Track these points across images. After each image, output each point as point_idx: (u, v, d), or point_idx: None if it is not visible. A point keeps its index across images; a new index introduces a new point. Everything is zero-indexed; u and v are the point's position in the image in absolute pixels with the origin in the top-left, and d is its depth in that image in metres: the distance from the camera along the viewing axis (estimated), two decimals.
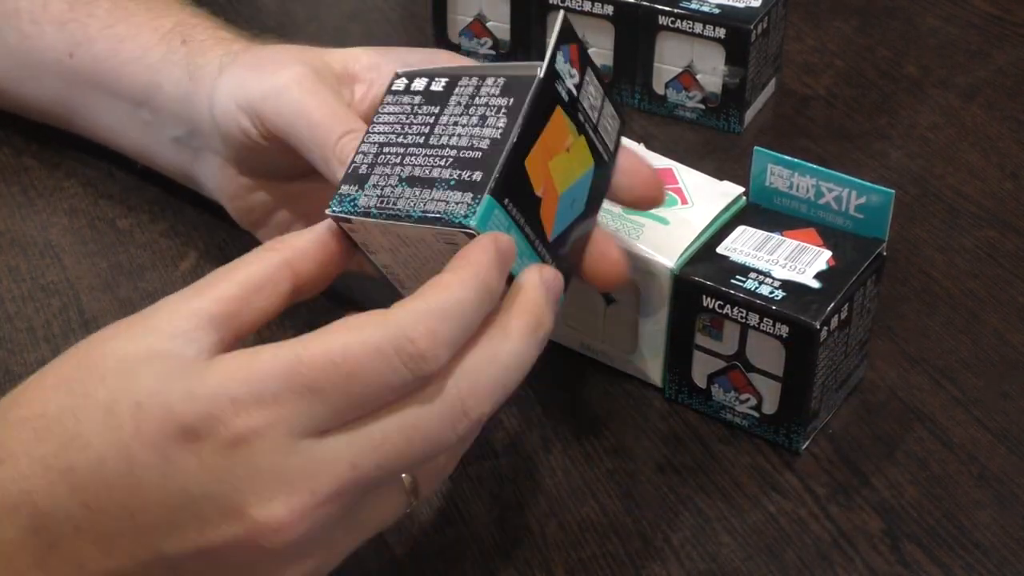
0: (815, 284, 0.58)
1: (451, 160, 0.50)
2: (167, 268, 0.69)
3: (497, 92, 0.51)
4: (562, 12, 0.51)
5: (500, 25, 0.83)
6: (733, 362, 0.59)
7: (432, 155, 0.50)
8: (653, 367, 0.62)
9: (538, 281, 0.49)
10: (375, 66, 0.60)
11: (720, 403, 0.61)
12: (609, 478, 0.59)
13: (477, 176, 0.49)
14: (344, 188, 0.51)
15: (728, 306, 0.58)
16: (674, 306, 0.60)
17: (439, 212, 0.49)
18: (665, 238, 0.60)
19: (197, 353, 0.45)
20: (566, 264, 0.52)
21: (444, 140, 0.51)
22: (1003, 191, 0.76)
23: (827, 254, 0.59)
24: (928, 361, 0.65)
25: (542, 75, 0.50)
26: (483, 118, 0.50)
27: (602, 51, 0.80)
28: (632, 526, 0.57)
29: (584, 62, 0.52)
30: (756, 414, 0.60)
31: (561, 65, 0.50)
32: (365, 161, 0.52)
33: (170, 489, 0.43)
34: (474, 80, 0.52)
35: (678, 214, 0.61)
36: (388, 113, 0.53)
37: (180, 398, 0.44)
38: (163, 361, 0.45)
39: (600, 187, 0.54)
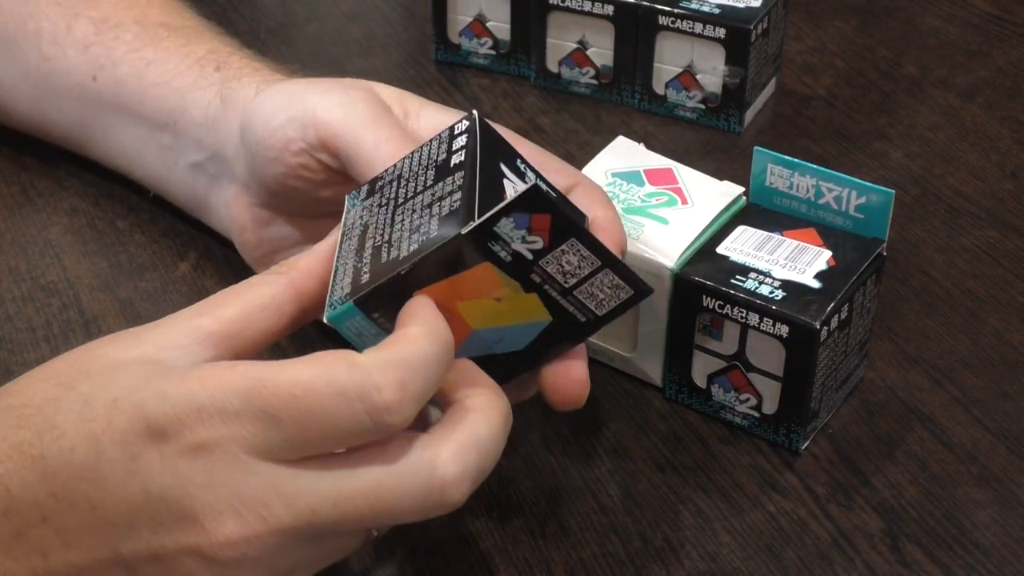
0: (815, 284, 0.58)
1: (368, 256, 0.49)
2: (167, 268, 0.69)
3: (436, 212, 0.49)
4: (529, 186, 0.48)
5: (500, 25, 0.83)
6: (733, 362, 0.59)
7: (401, 226, 0.50)
8: (653, 367, 0.62)
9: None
10: (411, 115, 0.59)
11: (720, 403, 0.61)
12: (609, 478, 0.59)
13: (358, 284, 0.49)
14: (329, 299, 0.50)
15: (728, 306, 0.58)
16: (674, 306, 0.60)
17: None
18: (665, 238, 0.60)
19: (189, 366, 0.46)
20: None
21: (410, 207, 0.50)
22: (1003, 191, 0.76)
23: (827, 254, 0.59)
24: (928, 361, 0.65)
25: (464, 232, 0.47)
26: (403, 232, 0.49)
27: (602, 51, 0.80)
28: (632, 526, 0.57)
29: (563, 233, 0.48)
30: (756, 414, 0.60)
31: (508, 230, 0.47)
32: (339, 270, 0.51)
33: (131, 487, 0.44)
34: (418, 151, 0.52)
35: (678, 214, 0.61)
36: (348, 225, 0.52)
37: (153, 397, 0.44)
38: (150, 366, 0.46)
39: (566, 337, 0.52)
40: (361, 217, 0.52)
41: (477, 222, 0.47)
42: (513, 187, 0.51)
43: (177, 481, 0.44)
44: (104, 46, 0.68)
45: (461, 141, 0.51)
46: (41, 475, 0.45)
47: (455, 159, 0.50)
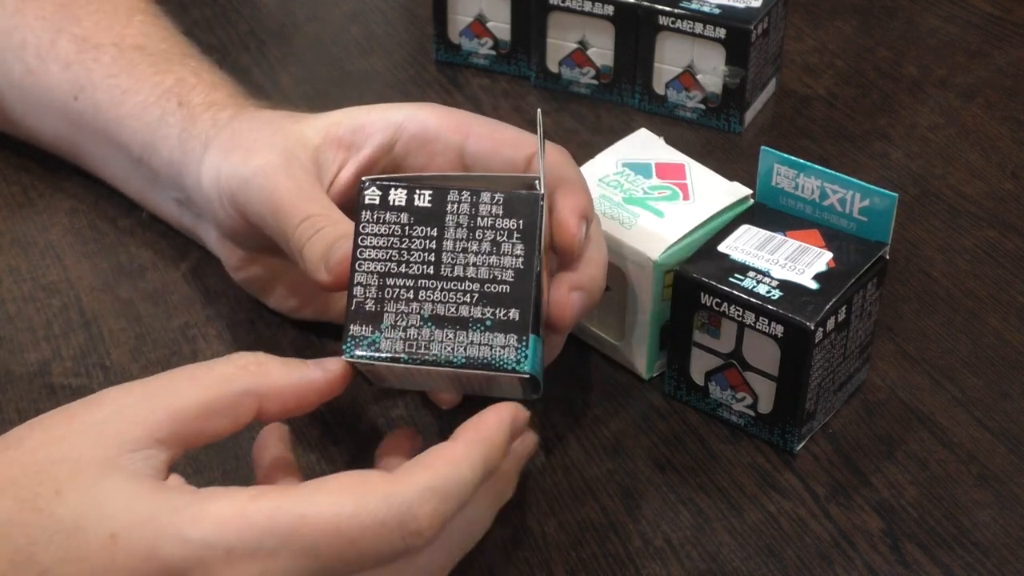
0: (813, 285, 0.58)
1: (476, 296, 0.50)
2: (167, 268, 0.69)
3: (500, 212, 0.51)
4: (539, 112, 0.51)
5: (500, 25, 0.83)
6: (730, 360, 0.59)
7: (451, 289, 0.50)
8: (639, 357, 0.63)
9: (504, 423, 0.50)
10: (359, 127, 0.59)
11: (717, 401, 0.61)
12: (609, 478, 0.59)
13: (514, 315, 0.49)
14: (355, 329, 0.50)
15: (725, 304, 0.58)
16: (674, 302, 0.60)
17: (486, 358, 0.49)
18: (655, 230, 0.60)
19: (154, 473, 0.45)
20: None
21: (459, 271, 0.50)
22: (1003, 191, 0.76)
23: (828, 255, 0.59)
24: (928, 361, 0.65)
25: (543, 192, 0.51)
26: (495, 244, 0.50)
27: (602, 51, 0.80)
28: (632, 526, 0.57)
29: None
30: (752, 413, 0.60)
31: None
32: (369, 295, 0.51)
33: None
34: (466, 196, 0.51)
35: (676, 208, 0.61)
36: (374, 235, 0.51)
37: (169, 540, 0.43)
38: (127, 483, 0.44)
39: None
40: (390, 239, 0.52)
41: (542, 175, 0.52)
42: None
43: None
44: (84, 67, 0.68)
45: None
46: None
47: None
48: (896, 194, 0.59)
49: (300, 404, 0.50)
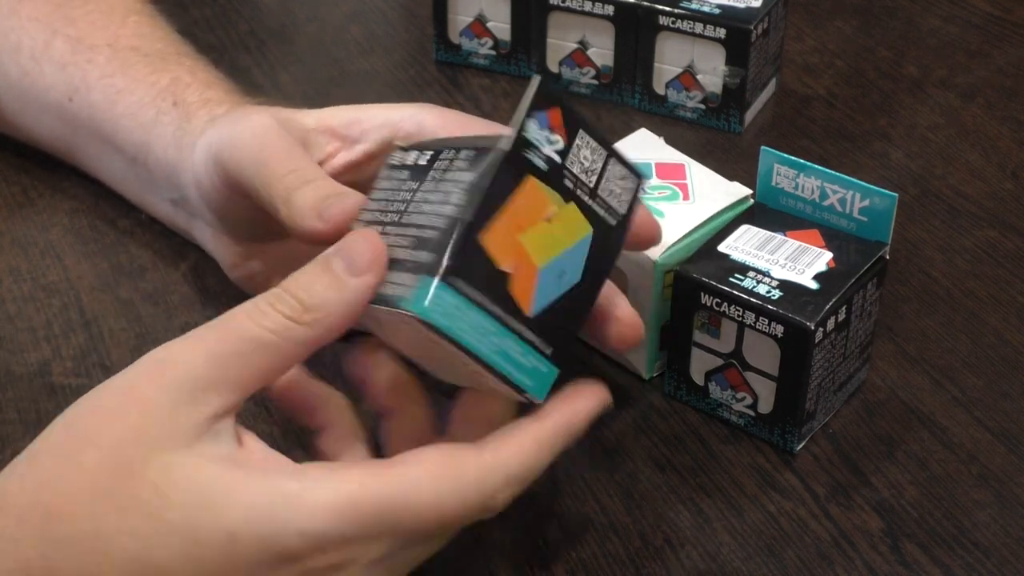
0: (813, 285, 0.58)
1: (412, 240, 0.48)
2: (167, 268, 0.69)
3: (464, 166, 0.48)
4: (536, 77, 0.48)
5: (500, 25, 0.83)
6: (730, 360, 0.60)
7: (400, 234, 0.49)
8: (637, 357, 0.63)
9: (592, 413, 0.51)
10: (354, 121, 0.59)
11: (717, 401, 0.61)
12: (609, 478, 0.59)
13: (426, 257, 0.47)
14: None
15: (725, 304, 0.58)
16: (674, 302, 0.60)
17: (387, 294, 0.48)
18: None
19: (230, 448, 0.46)
20: (563, 333, 0.49)
21: (412, 218, 0.49)
22: (1003, 191, 0.76)
23: (828, 256, 0.59)
24: (928, 361, 0.65)
25: (507, 147, 0.47)
26: (447, 194, 0.48)
27: (602, 51, 0.80)
28: (632, 526, 0.57)
29: (573, 125, 0.49)
30: (752, 413, 0.60)
31: (536, 133, 0.47)
32: None
33: None
34: (451, 152, 0.50)
35: (676, 208, 0.61)
36: (380, 189, 0.52)
37: (287, 534, 0.45)
38: (225, 473, 0.45)
39: (606, 251, 0.50)
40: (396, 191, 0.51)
41: (514, 132, 0.47)
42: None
43: None
44: (79, 67, 0.69)
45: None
46: None
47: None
48: (896, 194, 0.59)
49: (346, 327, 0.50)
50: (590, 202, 0.49)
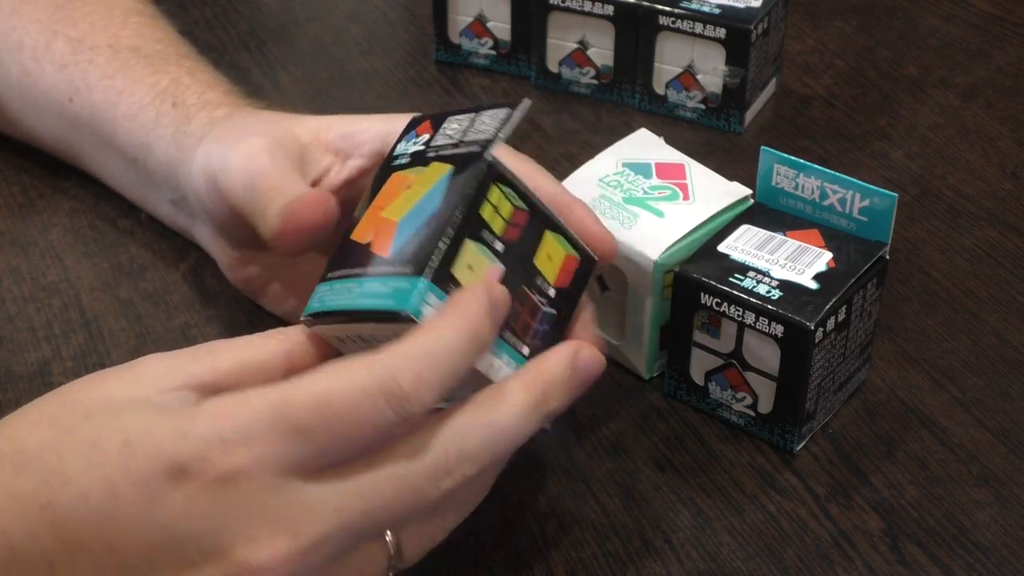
0: (813, 285, 0.58)
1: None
2: (167, 268, 0.69)
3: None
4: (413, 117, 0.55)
5: (500, 25, 0.83)
6: (730, 360, 0.60)
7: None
8: (637, 357, 0.63)
9: (566, 361, 0.49)
10: (348, 135, 0.60)
11: (717, 401, 0.61)
12: (609, 478, 0.59)
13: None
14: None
15: (725, 304, 0.58)
16: (674, 302, 0.60)
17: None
18: (656, 230, 0.60)
19: (182, 406, 0.46)
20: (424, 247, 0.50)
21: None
22: (1003, 191, 0.76)
23: (828, 256, 0.59)
24: (928, 361, 0.65)
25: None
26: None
27: (602, 51, 0.80)
28: (632, 526, 0.57)
29: (439, 120, 0.54)
30: (752, 413, 0.60)
31: (402, 148, 0.54)
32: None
33: (153, 527, 0.44)
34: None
35: (676, 208, 0.61)
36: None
37: (170, 437, 0.44)
38: (151, 406, 0.46)
39: (471, 160, 0.51)
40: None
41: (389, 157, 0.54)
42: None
43: (203, 516, 0.44)
44: (79, 68, 0.69)
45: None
46: (49, 524, 0.44)
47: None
48: (896, 194, 0.59)
49: (318, 360, 0.50)
50: (452, 151, 0.52)
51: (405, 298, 0.48)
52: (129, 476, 0.44)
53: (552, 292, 0.52)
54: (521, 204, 0.51)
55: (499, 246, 0.50)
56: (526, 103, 0.52)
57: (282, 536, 0.44)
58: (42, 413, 0.46)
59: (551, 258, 0.52)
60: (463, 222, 0.49)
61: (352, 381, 0.44)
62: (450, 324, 0.46)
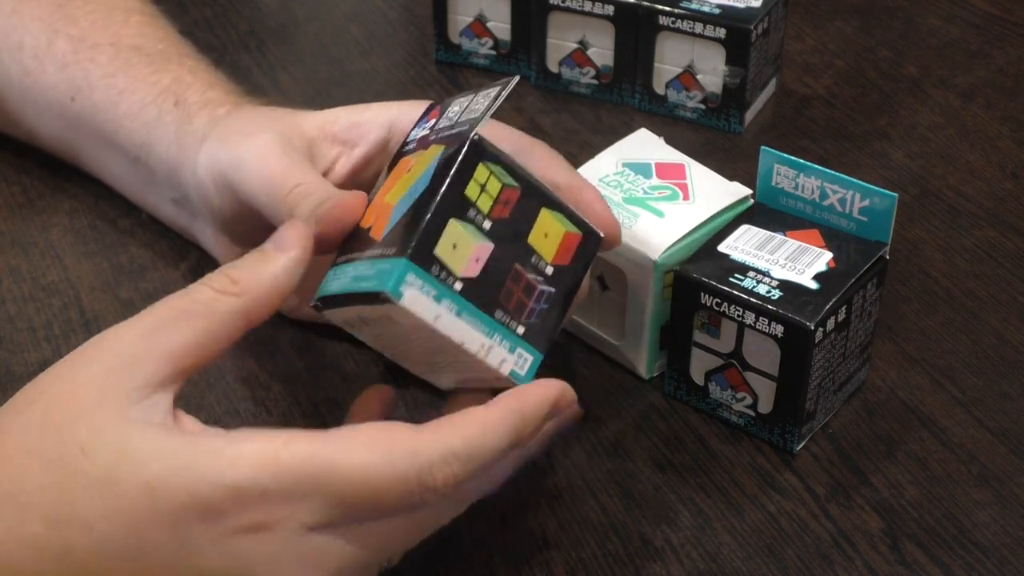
0: (813, 285, 0.58)
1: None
2: (168, 268, 0.69)
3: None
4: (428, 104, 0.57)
5: (500, 25, 0.83)
6: (730, 360, 0.60)
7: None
8: (637, 357, 0.63)
9: (546, 401, 0.50)
10: (355, 126, 0.60)
11: (717, 401, 0.61)
12: (609, 478, 0.59)
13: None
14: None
15: (725, 304, 0.58)
16: (674, 302, 0.60)
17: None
18: (656, 230, 0.60)
19: (164, 417, 0.46)
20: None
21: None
22: (1003, 191, 0.76)
23: (828, 256, 0.59)
24: (928, 361, 0.65)
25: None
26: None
27: (602, 51, 0.80)
28: (632, 526, 0.57)
29: (444, 107, 0.56)
30: (752, 413, 0.60)
31: (414, 134, 0.56)
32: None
33: (185, 568, 0.44)
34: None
35: (676, 208, 0.61)
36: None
37: (207, 483, 0.44)
38: (149, 433, 0.45)
39: (461, 139, 0.52)
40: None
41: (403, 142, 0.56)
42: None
43: (234, 556, 0.44)
44: (81, 67, 0.69)
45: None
46: (67, 571, 0.43)
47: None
48: (896, 194, 0.59)
49: (273, 308, 0.50)
50: (448, 133, 0.53)
51: (385, 280, 0.49)
52: (157, 517, 0.44)
53: (550, 270, 0.51)
54: (511, 182, 0.51)
55: (487, 224, 0.50)
56: (514, 79, 0.53)
57: (310, 571, 0.46)
58: (23, 447, 0.45)
59: (548, 236, 0.52)
60: (442, 201, 0.49)
61: (394, 464, 0.46)
62: (501, 428, 0.48)
